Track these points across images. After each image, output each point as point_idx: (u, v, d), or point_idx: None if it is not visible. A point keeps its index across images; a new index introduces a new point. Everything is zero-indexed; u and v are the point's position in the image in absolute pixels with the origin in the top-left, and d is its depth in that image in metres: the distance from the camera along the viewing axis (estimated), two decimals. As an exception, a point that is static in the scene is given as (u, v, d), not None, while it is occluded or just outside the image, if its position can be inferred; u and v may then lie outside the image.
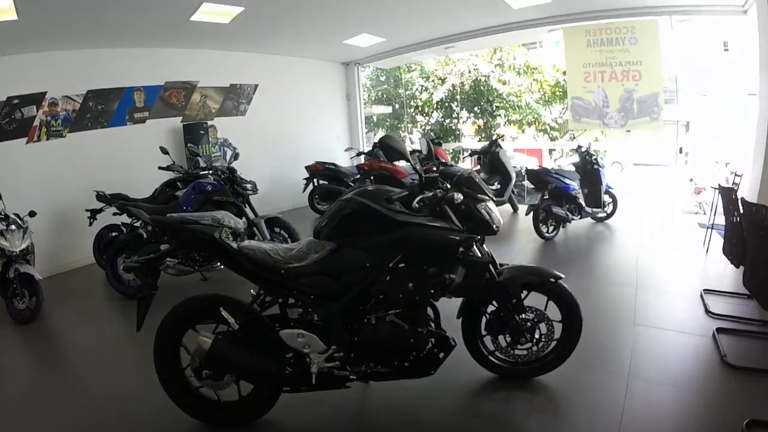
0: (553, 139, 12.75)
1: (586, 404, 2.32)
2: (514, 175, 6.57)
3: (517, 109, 12.84)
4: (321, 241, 2.17)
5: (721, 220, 3.99)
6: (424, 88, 13.64)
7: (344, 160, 8.18)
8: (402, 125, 14.55)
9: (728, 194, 3.37)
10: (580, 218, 5.62)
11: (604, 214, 5.99)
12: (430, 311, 2.25)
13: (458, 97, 13.15)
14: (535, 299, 2.45)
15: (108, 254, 4.34)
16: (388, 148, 2.17)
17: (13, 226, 3.94)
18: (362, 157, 7.65)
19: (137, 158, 5.68)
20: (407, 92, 13.95)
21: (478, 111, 13.23)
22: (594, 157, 5.86)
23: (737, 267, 3.20)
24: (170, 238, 2.18)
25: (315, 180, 7.15)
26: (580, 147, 6.07)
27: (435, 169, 2.62)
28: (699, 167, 8.82)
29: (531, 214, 5.33)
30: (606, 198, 5.92)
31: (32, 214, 4.18)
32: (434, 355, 2.21)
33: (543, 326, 2.46)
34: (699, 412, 2.22)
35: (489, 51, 12.62)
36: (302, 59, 8.09)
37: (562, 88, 11.45)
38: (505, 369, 2.55)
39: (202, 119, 6.77)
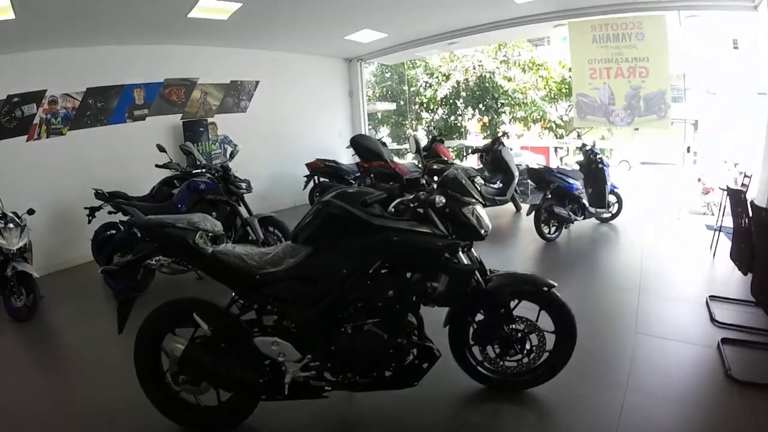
0: (559, 137, 12.58)
1: (579, 420, 2.22)
2: (517, 174, 6.46)
3: (522, 106, 12.67)
4: (298, 246, 2.09)
5: (729, 222, 3.87)
6: (428, 85, 13.50)
7: (346, 158, 8.10)
8: (407, 122, 14.44)
9: (737, 196, 3.25)
10: (584, 219, 5.50)
11: (609, 215, 5.86)
12: (413, 319, 2.15)
13: (463, 93, 13.02)
14: (527, 308, 2.34)
15: (104, 253, 4.33)
16: (360, 148, 2.09)
17: (11, 225, 3.98)
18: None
19: (137, 156, 5.64)
20: (412, 89, 13.82)
21: (483, 108, 13.08)
22: (599, 156, 5.72)
23: (745, 274, 3.08)
24: (148, 241, 2.12)
25: (316, 177, 7.09)
26: (584, 145, 5.96)
27: (426, 168, 2.47)
28: (707, 167, 8.68)
29: (533, 214, 5.19)
30: (611, 198, 5.79)
31: (31, 212, 4.23)
32: (417, 366, 2.12)
33: (534, 337, 2.34)
34: (699, 430, 2.12)
35: (494, 47, 12.46)
36: (303, 55, 8.02)
37: (568, 84, 11.28)
38: (494, 380, 2.44)
39: (203, 116, 6.72)
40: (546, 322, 2.32)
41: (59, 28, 4.73)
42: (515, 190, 6.65)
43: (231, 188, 4.36)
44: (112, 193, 4.52)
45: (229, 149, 6.61)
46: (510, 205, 6.78)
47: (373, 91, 14.61)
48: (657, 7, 5.89)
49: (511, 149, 6.72)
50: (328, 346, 2.04)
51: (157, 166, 4.70)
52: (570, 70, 7.91)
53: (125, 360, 2.63)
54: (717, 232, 4.63)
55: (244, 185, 4.44)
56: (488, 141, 7.07)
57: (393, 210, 2.02)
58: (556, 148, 11.86)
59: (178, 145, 4.81)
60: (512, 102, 12.75)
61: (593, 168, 5.65)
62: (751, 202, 2.91)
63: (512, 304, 2.30)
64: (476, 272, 2.21)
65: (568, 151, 11.29)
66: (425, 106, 13.94)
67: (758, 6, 5.00)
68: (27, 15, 4.14)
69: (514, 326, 2.31)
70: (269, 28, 6.20)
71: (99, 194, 4.47)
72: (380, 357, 2.06)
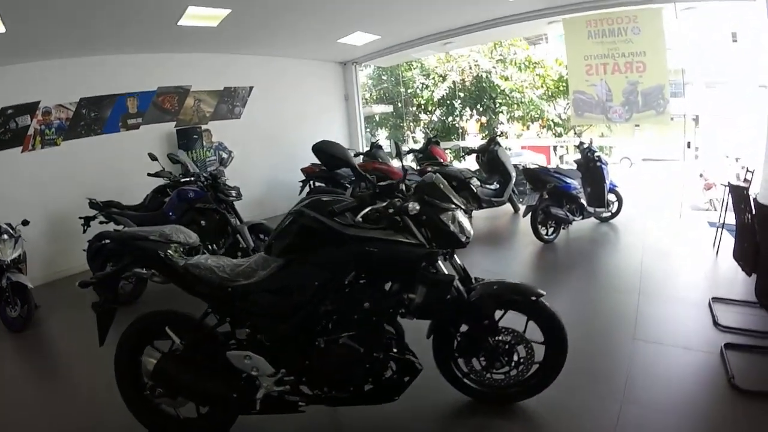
0: (557, 135, 12.51)
1: (571, 435, 2.09)
2: (514, 174, 6.38)
3: (520, 105, 12.60)
4: (270, 257, 2.01)
5: (732, 218, 3.76)
6: (425, 86, 13.45)
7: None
8: (404, 124, 14.40)
9: (739, 192, 3.14)
10: (582, 219, 5.40)
11: (609, 214, 5.76)
12: (393, 331, 2.05)
13: (459, 94, 12.96)
14: (515, 318, 2.21)
15: (96, 262, 4.30)
16: (325, 156, 1.96)
17: (5, 236, 4.04)
18: (360, 158, 7.51)
19: (131, 165, 5.64)
20: (409, 90, 13.78)
21: (481, 108, 13.02)
22: (596, 154, 5.63)
23: (749, 275, 2.94)
24: (123, 254, 2.07)
25: (311, 182, 7.02)
26: (581, 143, 5.87)
27: (406, 173, 2.37)
28: (709, 162, 8.57)
29: (529, 215, 5.07)
30: (610, 197, 5.69)
31: (25, 223, 4.26)
32: (397, 379, 2.03)
33: (521, 349, 2.21)
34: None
35: (489, 46, 12.41)
36: (297, 60, 7.98)
37: (565, 82, 11.20)
38: (481, 393, 2.32)
39: (197, 123, 6.69)
40: (535, 332, 2.19)
41: (50, 39, 4.74)
42: (513, 191, 6.58)
43: (220, 196, 4.34)
44: (106, 202, 4.55)
45: (224, 156, 6.58)
46: (508, 207, 6.72)
47: (370, 94, 14.58)
48: (652, 0, 5.81)
49: (510, 149, 6.66)
50: (301, 360, 1.97)
51: (149, 174, 4.67)
52: (567, 68, 7.83)
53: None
54: (720, 230, 4.49)
55: (233, 193, 4.42)
56: (483, 142, 7.00)
57: (360, 219, 1.92)
58: (555, 147, 11.80)
59: (166, 155, 4.77)
60: (510, 101, 12.69)
61: (591, 166, 5.55)
62: (754, 199, 2.79)
63: (499, 314, 2.19)
64: (457, 282, 2.10)
65: (567, 149, 11.23)
66: (423, 107, 13.90)
67: (756, -4, 4.92)
68: (17, 28, 4.15)
69: (500, 338, 2.19)
70: (260, 34, 6.16)
71: (93, 204, 4.49)
72: (356, 372, 1.97)
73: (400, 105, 14.11)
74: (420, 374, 2.05)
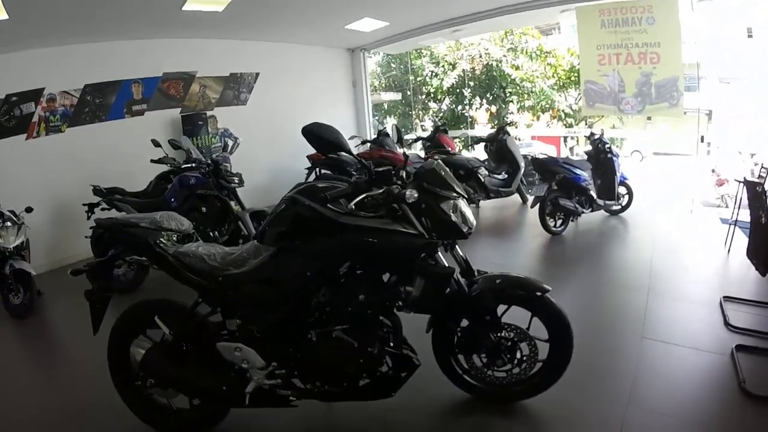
0: (568, 126, 12.31)
1: (574, 437, 2.01)
2: (522, 164, 6.28)
3: (530, 95, 12.40)
4: (262, 246, 1.94)
5: (745, 216, 3.63)
6: (434, 74, 13.27)
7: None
8: (413, 112, 14.26)
9: (754, 189, 3.04)
10: (592, 211, 5.28)
11: (619, 207, 5.63)
12: (390, 324, 1.97)
13: (469, 82, 12.78)
14: (518, 313, 2.12)
15: (98, 249, 4.30)
16: (315, 139, 1.78)
17: (8, 223, 4.04)
18: (368, 145, 7.43)
19: (136, 151, 5.61)
20: (418, 79, 13.61)
21: (491, 97, 12.83)
22: (608, 146, 5.50)
23: (763, 275, 2.84)
24: (115, 241, 2.03)
25: (317, 169, 6.95)
26: (592, 134, 5.73)
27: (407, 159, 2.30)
28: (721, 158, 8.39)
29: (537, 206, 4.97)
30: (621, 190, 5.56)
31: (29, 210, 4.25)
32: (393, 375, 1.95)
33: (525, 346, 2.12)
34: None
35: (500, 35, 12.19)
36: (305, 46, 7.86)
37: (577, 72, 10.99)
38: (481, 390, 2.23)
39: (202, 110, 6.63)
40: (539, 329, 2.10)
41: (54, 26, 4.70)
42: (521, 181, 6.48)
43: (222, 183, 4.30)
44: (110, 189, 4.54)
45: (230, 142, 6.53)
46: (516, 197, 6.62)
47: (379, 82, 14.43)
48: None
49: (520, 139, 6.54)
50: (293, 353, 1.91)
51: (152, 161, 4.64)
52: (579, 57, 7.67)
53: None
54: (732, 227, 4.33)
55: (236, 179, 4.38)
56: (493, 131, 6.89)
57: (353, 207, 1.82)
58: (565, 138, 11.62)
59: (167, 140, 4.75)
60: (520, 91, 12.49)
61: (602, 158, 5.41)
62: (770, 197, 2.70)
63: (502, 308, 2.10)
64: (458, 275, 2.02)
65: (578, 140, 11.06)
66: (432, 96, 13.73)
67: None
68: (20, 14, 4.11)
69: (502, 334, 2.10)
70: (267, 19, 6.06)
71: (97, 190, 4.48)
72: (349, 366, 1.89)
73: (409, 93, 13.96)
74: (419, 369, 1.99)
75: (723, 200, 7.80)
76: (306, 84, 7.99)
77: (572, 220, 5.23)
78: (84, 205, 4.54)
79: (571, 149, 10.85)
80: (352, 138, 8.04)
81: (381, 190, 1.85)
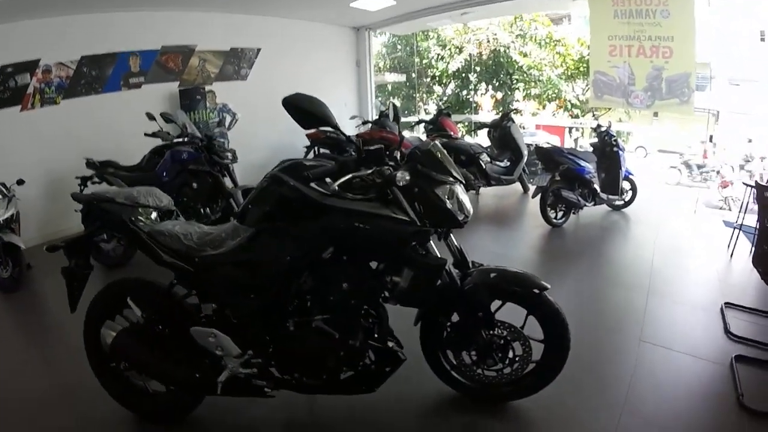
0: (574, 117, 12.12)
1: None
2: (526, 153, 6.17)
3: (537, 83, 12.19)
4: (242, 226, 1.82)
5: (750, 221, 3.52)
6: (440, 57, 13.02)
7: (349, 129, 7.82)
8: (417, 95, 14.05)
9: (762, 194, 2.93)
10: (594, 205, 5.19)
11: (622, 202, 5.54)
12: (375, 314, 1.87)
13: (476, 67, 12.54)
14: (513, 310, 2.01)
15: (88, 223, 4.22)
16: (297, 112, 1.60)
17: None
18: (369, 125, 7.30)
19: (132, 124, 5.47)
20: (424, 61, 13.36)
21: (497, 84, 12.61)
22: (614, 139, 5.38)
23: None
24: (93, 217, 1.94)
25: (316, 148, 6.82)
26: (599, 126, 5.61)
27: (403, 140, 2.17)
28: (727, 159, 8.27)
29: (539, 196, 4.87)
30: (625, 185, 5.46)
31: (20, 182, 4.19)
32: (376, 370, 1.85)
33: (518, 346, 2.00)
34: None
35: (509, 20, 11.92)
36: (309, 22, 7.65)
37: (586, 63, 10.78)
38: (470, 388, 2.13)
39: (201, 84, 6.47)
40: (535, 327, 1.99)
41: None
42: (524, 170, 6.38)
43: (214, 158, 4.21)
44: (104, 162, 4.44)
45: (228, 118, 6.41)
46: (517, 186, 6.53)
47: (384, 62, 14.18)
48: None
49: (525, 128, 6.41)
50: (269, 342, 1.81)
51: (146, 134, 4.55)
52: (589, 47, 7.49)
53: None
54: (736, 231, 4.23)
55: (229, 155, 4.29)
56: (497, 117, 6.76)
57: (336, 187, 1.67)
58: (570, 129, 11.46)
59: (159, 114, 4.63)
60: (527, 78, 12.27)
61: (608, 151, 5.32)
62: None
63: (496, 304, 1.99)
64: (450, 266, 1.89)
65: (583, 132, 10.90)
66: (437, 79, 13.50)
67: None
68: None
69: (494, 332, 1.98)
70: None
71: (90, 163, 4.38)
72: (329, 359, 1.78)
73: (414, 75, 13.72)
74: (405, 362, 1.90)
75: (726, 202, 7.71)
76: (309, 62, 7.81)
77: (573, 213, 5.16)
78: (77, 178, 4.44)
79: (576, 140, 10.71)
80: (353, 118, 7.92)
81: (370, 171, 1.71)
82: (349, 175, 1.68)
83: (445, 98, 13.51)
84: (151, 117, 4.51)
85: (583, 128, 11.02)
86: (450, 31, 12.50)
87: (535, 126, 12.25)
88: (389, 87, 14.34)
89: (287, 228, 1.72)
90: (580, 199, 4.99)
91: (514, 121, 6.27)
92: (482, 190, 6.33)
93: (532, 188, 5.56)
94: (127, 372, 2.01)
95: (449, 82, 13.37)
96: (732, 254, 4.16)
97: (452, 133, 6.57)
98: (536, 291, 1.92)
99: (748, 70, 9.82)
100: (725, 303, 3.09)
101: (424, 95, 14.28)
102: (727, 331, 2.78)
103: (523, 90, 12.46)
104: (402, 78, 14.09)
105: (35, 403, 2.32)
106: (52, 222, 5.19)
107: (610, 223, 5.28)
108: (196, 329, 1.85)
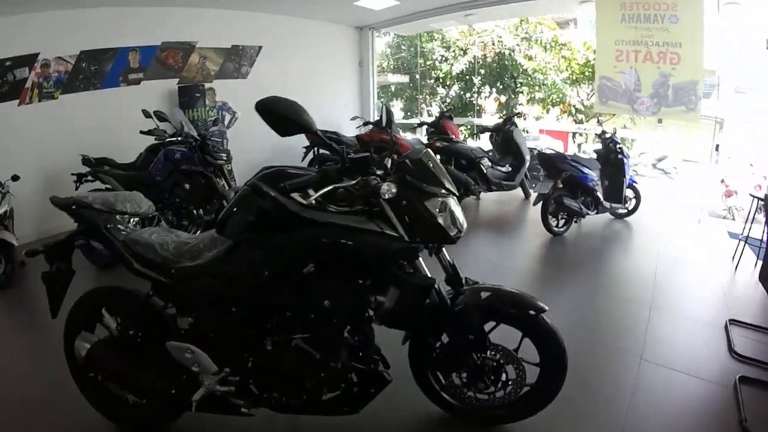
0: (578, 122, 12.00)
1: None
2: (528, 158, 6.09)
3: (541, 87, 12.08)
4: (220, 237, 1.72)
5: (756, 232, 3.42)
6: (444, 59, 12.93)
7: (349, 130, 7.74)
8: (420, 97, 13.96)
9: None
10: (597, 213, 5.09)
11: (625, 211, 5.44)
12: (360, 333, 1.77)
13: (480, 70, 12.45)
14: (506, 329, 1.90)
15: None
16: (272, 117, 1.47)
17: None
18: (369, 126, 7.21)
19: (130, 121, 5.41)
20: (427, 63, 13.27)
21: (501, 87, 12.52)
22: (619, 146, 5.27)
23: None
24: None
25: (315, 149, 6.75)
26: (604, 133, 5.50)
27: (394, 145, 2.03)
28: (731, 168, 8.12)
29: (540, 204, 4.77)
30: (629, 193, 5.35)
31: (15, 178, 4.12)
32: (360, 391, 1.74)
33: (511, 369, 1.90)
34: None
35: (514, 23, 11.83)
36: (311, 21, 7.59)
37: (592, 67, 10.67)
38: (460, 410, 2.03)
39: (201, 81, 6.40)
40: (530, 349, 1.89)
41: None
42: (525, 176, 6.29)
43: (208, 159, 4.13)
44: (99, 159, 4.38)
45: (228, 116, 6.33)
46: (518, 192, 6.44)
47: (387, 63, 14.09)
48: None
49: (528, 132, 6.32)
50: (246, 360, 1.72)
51: (141, 132, 4.47)
52: (595, 52, 7.39)
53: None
54: (742, 243, 4.09)
55: (223, 156, 4.21)
56: (500, 121, 6.67)
57: (318, 199, 1.55)
58: (574, 134, 11.34)
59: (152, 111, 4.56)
60: (531, 82, 12.17)
61: (612, 158, 5.19)
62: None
63: (489, 325, 1.88)
64: (440, 284, 1.78)
65: (587, 138, 10.79)
66: (440, 81, 13.41)
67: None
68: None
69: (486, 354, 1.87)
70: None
71: (86, 160, 4.32)
72: (308, 380, 1.68)
73: (417, 76, 13.63)
74: (393, 379, 1.80)
75: (730, 212, 7.57)
76: (311, 61, 7.74)
77: (575, 221, 5.05)
78: (73, 174, 4.40)
79: (579, 146, 10.60)
80: (354, 119, 7.83)
81: (353, 182, 1.58)
82: (330, 187, 1.55)
83: (448, 100, 13.41)
84: (147, 114, 4.44)
85: (587, 134, 10.89)
86: (455, 32, 12.41)
87: (539, 130, 12.14)
88: (392, 88, 14.26)
89: (265, 241, 1.63)
90: (582, 207, 4.89)
91: (517, 126, 6.19)
92: (482, 195, 6.25)
93: (533, 195, 5.48)
94: (106, 381, 1.95)
95: (453, 84, 13.28)
96: (737, 267, 4.04)
97: (454, 137, 6.49)
98: (532, 313, 1.81)
99: (755, 78, 9.70)
100: (730, 320, 2.98)
101: (427, 97, 14.18)
102: (731, 349, 2.68)
103: (527, 94, 12.36)
104: (405, 79, 14.00)
105: (22, 401, 2.28)
106: (47, 219, 5.10)
107: (612, 232, 5.18)
108: (173, 344, 1.76)
